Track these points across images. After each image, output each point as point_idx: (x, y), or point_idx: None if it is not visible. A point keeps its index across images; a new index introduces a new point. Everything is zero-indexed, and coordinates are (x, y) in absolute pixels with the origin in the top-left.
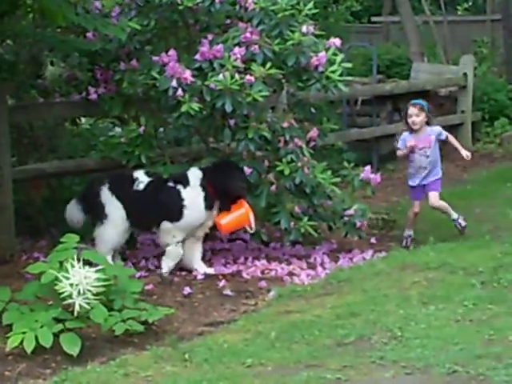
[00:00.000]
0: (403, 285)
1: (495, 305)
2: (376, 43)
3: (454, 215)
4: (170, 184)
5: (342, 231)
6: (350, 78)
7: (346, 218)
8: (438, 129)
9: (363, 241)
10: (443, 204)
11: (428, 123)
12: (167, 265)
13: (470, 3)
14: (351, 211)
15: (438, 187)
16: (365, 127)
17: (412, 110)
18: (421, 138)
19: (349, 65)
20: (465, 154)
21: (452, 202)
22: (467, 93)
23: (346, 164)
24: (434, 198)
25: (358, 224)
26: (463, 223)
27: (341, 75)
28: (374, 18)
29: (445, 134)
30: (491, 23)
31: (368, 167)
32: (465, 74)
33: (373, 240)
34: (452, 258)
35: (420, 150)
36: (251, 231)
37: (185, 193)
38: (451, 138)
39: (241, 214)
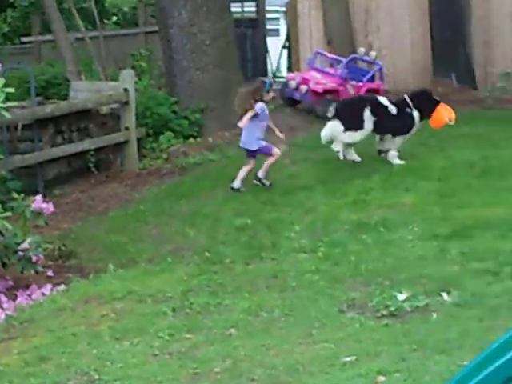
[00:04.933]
0: (91, 320)
1: (192, 333)
2: (28, 64)
3: None
4: None
5: (17, 267)
6: (12, 103)
7: (20, 253)
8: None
9: (40, 275)
10: None
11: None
12: None
13: (120, 17)
14: (25, 245)
15: None
16: (27, 153)
17: None
18: None
19: (11, 89)
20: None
21: (126, 225)
22: (130, 109)
23: (14, 195)
24: None
25: (34, 258)
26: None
27: (3, 101)
28: (23, 39)
29: None
30: (145, 35)
31: (39, 197)
32: (125, 90)
33: (50, 273)
34: (137, 286)
35: None
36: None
37: None
38: None
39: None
